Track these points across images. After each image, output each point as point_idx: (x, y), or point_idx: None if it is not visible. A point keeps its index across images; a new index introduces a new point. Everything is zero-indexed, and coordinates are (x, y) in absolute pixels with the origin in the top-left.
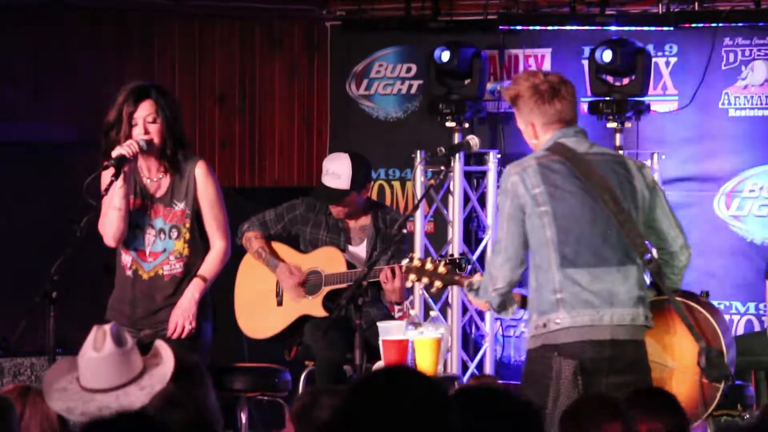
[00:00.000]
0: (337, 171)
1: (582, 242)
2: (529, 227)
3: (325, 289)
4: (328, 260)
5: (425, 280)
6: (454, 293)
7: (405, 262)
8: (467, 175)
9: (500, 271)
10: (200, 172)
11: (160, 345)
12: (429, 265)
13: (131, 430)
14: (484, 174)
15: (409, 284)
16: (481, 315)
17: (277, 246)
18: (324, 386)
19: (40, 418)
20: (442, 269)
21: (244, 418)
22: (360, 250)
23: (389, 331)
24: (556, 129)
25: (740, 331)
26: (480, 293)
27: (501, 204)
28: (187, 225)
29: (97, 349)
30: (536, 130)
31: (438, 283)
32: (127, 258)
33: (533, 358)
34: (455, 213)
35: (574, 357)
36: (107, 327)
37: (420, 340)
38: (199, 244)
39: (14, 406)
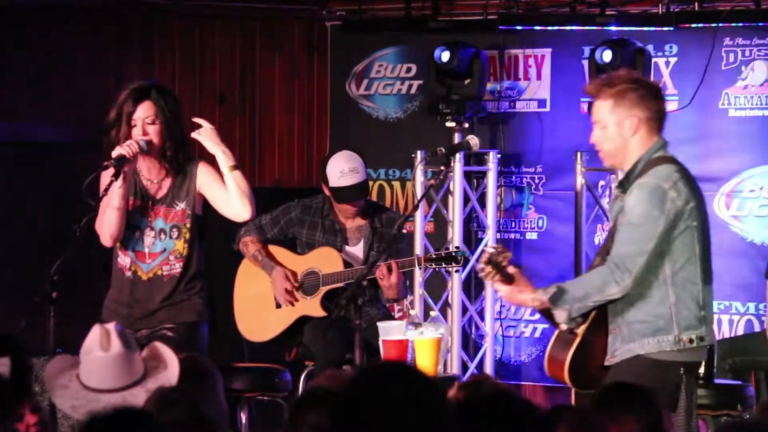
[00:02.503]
0: (352, 167)
1: (708, 260)
2: (679, 241)
3: (323, 289)
4: (325, 260)
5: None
6: (455, 293)
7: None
8: (467, 175)
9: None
10: (201, 169)
11: (161, 347)
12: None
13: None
14: (484, 174)
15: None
16: (481, 315)
17: (274, 249)
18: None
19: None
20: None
21: (244, 418)
22: (357, 250)
23: (389, 331)
24: (659, 133)
25: (740, 331)
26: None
27: (653, 222)
28: (188, 225)
29: (105, 349)
30: (640, 126)
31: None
32: (125, 259)
33: (663, 371)
34: (455, 213)
35: (691, 374)
36: (111, 326)
37: (420, 340)
38: (199, 246)
39: None
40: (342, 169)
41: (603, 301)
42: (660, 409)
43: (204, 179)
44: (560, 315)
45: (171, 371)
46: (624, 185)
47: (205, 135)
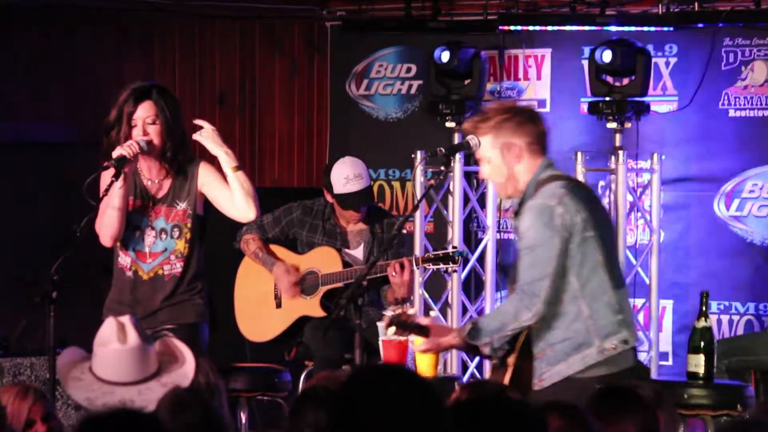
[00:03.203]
0: (357, 173)
1: (615, 264)
2: (579, 254)
3: (323, 289)
4: (324, 260)
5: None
6: (454, 293)
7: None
8: (467, 176)
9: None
10: (202, 169)
11: (175, 342)
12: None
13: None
14: None
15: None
16: (480, 315)
17: (275, 249)
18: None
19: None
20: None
21: (244, 418)
22: (357, 254)
23: None
24: (543, 155)
25: (740, 331)
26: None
27: (547, 241)
28: (189, 225)
29: (122, 341)
30: (522, 152)
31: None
32: (126, 259)
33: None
34: (455, 213)
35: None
36: (126, 319)
37: (420, 341)
38: (199, 246)
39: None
40: (347, 175)
41: (520, 328)
42: (655, 411)
43: (206, 179)
44: (484, 348)
45: (187, 367)
46: (518, 212)
47: (207, 136)
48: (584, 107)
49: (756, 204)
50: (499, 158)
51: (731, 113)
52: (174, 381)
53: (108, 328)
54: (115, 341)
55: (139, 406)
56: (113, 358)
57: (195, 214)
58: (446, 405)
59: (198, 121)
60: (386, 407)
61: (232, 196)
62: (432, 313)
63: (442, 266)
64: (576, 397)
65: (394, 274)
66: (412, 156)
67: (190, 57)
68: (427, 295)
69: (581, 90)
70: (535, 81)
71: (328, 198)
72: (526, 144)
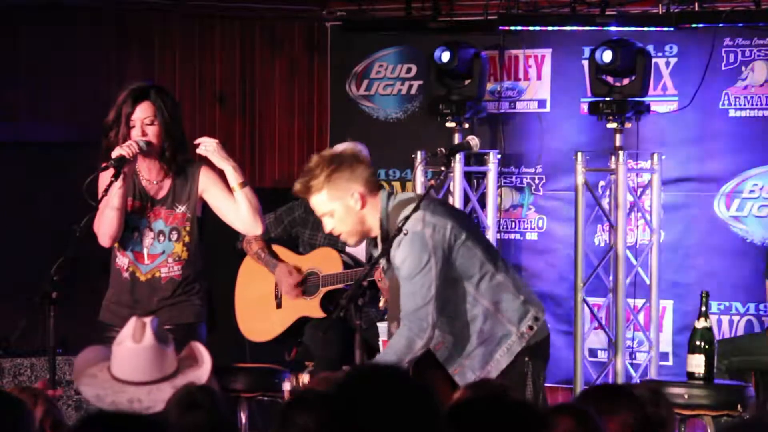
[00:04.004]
0: (358, 150)
1: (494, 252)
2: (462, 259)
3: (323, 290)
4: (325, 261)
5: None
6: None
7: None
8: (467, 176)
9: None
10: (204, 174)
11: (198, 347)
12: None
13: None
14: (484, 174)
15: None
16: None
17: (276, 249)
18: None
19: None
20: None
21: (244, 418)
22: (358, 251)
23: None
24: (379, 188)
25: (740, 331)
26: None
27: (424, 267)
28: (188, 228)
29: (137, 340)
30: (364, 196)
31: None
32: (123, 260)
33: (510, 372)
34: None
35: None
36: (148, 320)
37: None
38: (198, 249)
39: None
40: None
41: (417, 355)
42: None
43: (208, 185)
44: None
45: (203, 370)
46: (385, 251)
47: (212, 150)
48: (584, 107)
49: (756, 204)
50: (342, 210)
51: (731, 113)
52: (185, 384)
53: (127, 327)
54: (129, 340)
55: (146, 406)
56: (126, 356)
57: (194, 217)
58: (441, 405)
59: (199, 140)
60: (381, 406)
61: (237, 210)
62: None
63: None
64: (516, 381)
65: (380, 278)
66: (413, 156)
67: (190, 57)
68: None
69: (581, 90)
70: (536, 81)
71: None
72: (364, 187)
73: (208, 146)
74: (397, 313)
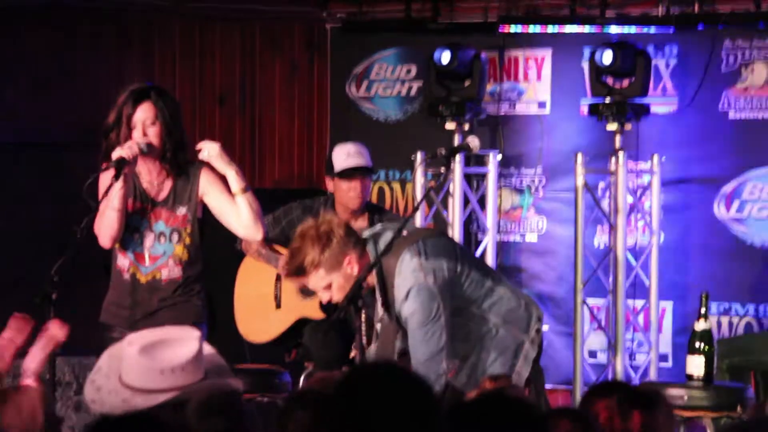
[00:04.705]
0: (358, 150)
1: (485, 267)
2: (465, 288)
3: None
4: None
5: None
6: None
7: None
8: (467, 177)
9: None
10: (204, 176)
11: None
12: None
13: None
14: (484, 176)
15: None
16: None
17: (276, 249)
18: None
19: (21, 417)
20: None
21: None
22: None
23: None
24: (357, 240)
25: (740, 332)
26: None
27: (436, 313)
28: (188, 230)
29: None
30: (353, 259)
31: None
32: (124, 261)
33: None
34: (455, 215)
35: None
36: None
37: None
38: (198, 250)
39: None
40: (348, 151)
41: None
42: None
43: (208, 188)
44: None
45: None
46: (385, 303)
47: (215, 155)
48: (584, 109)
49: (756, 206)
50: (341, 279)
51: (731, 115)
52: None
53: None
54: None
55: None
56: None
57: (195, 219)
58: (439, 402)
59: (200, 145)
60: (382, 404)
61: (239, 215)
62: None
63: None
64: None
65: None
66: (412, 157)
67: (190, 57)
68: None
69: (581, 91)
70: (536, 82)
71: (329, 187)
72: (351, 250)
73: (210, 151)
74: (388, 356)
